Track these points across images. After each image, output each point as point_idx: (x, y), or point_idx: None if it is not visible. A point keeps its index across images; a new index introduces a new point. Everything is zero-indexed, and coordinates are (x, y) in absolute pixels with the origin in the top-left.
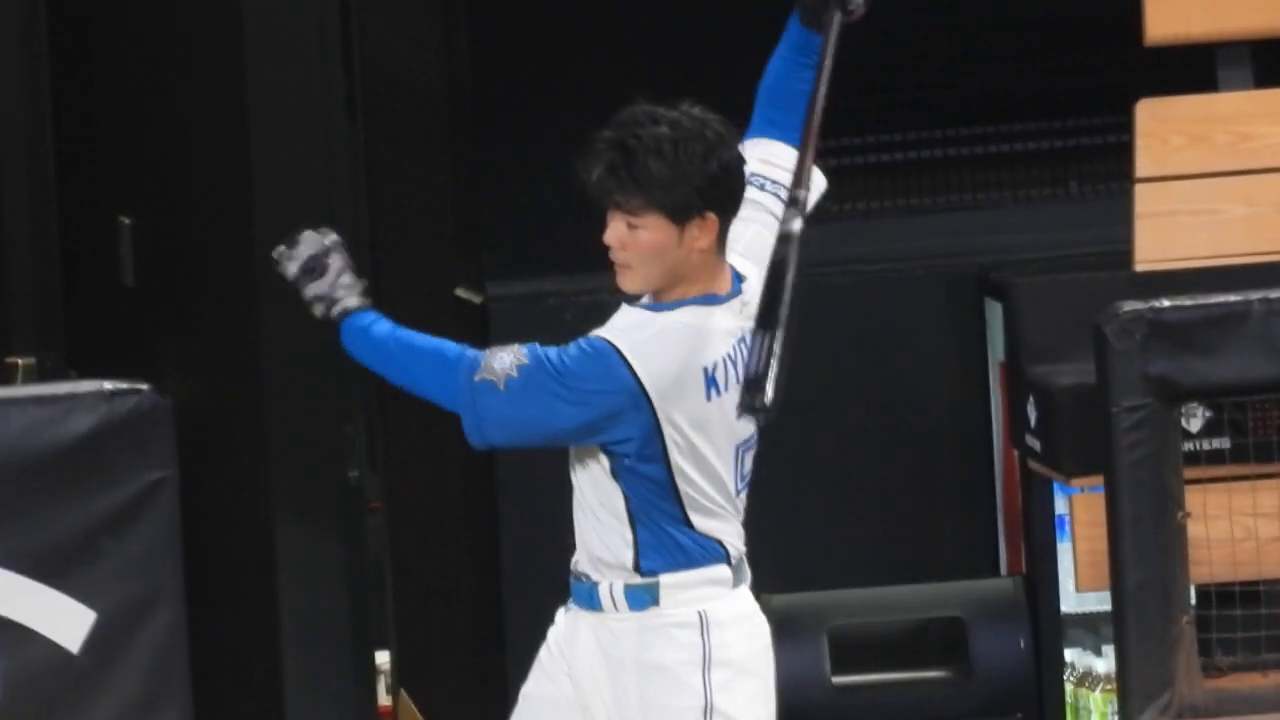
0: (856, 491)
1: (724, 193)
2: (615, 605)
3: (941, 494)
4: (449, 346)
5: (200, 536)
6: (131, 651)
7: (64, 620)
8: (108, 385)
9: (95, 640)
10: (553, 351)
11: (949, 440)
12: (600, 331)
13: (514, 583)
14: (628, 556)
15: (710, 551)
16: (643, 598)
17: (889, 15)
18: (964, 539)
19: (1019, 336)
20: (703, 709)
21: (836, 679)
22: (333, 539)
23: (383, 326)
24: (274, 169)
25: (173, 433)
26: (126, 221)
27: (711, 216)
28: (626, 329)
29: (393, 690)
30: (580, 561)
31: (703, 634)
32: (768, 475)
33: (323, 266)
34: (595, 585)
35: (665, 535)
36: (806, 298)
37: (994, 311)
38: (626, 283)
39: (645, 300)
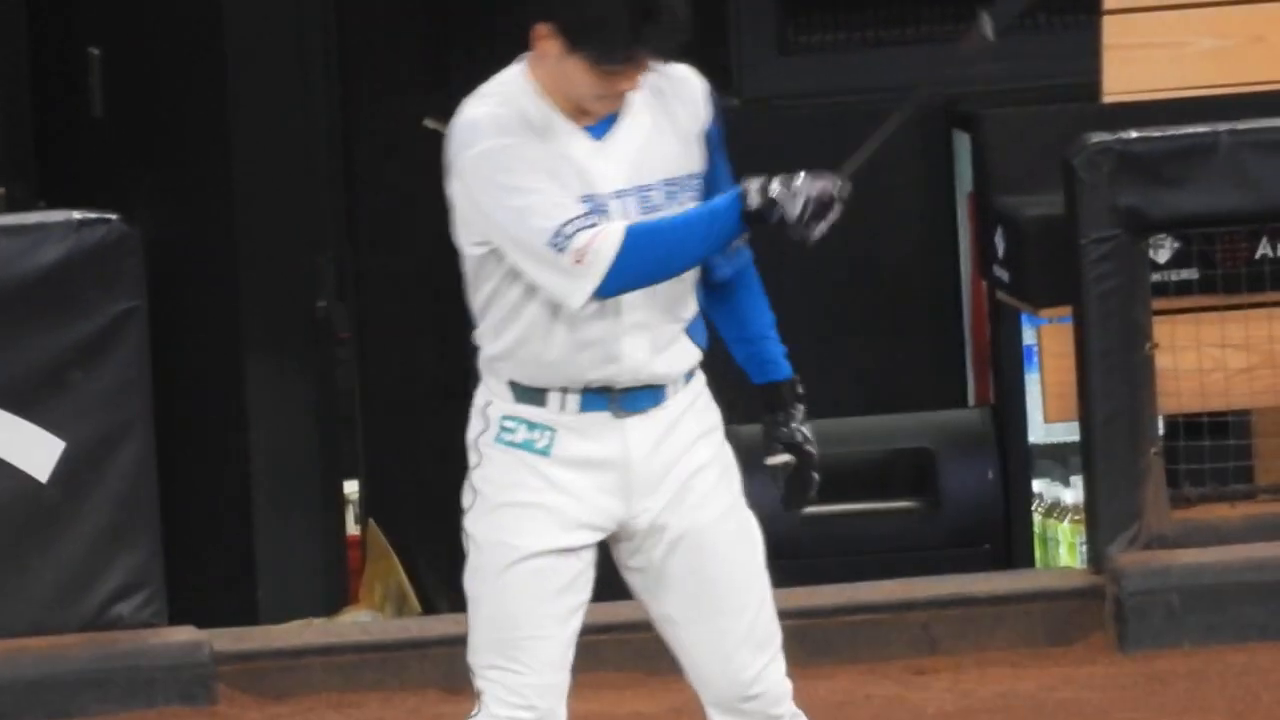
0: (825, 323)
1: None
2: (676, 390)
3: (910, 325)
4: None
5: (169, 367)
6: (100, 481)
7: (33, 450)
8: (76, 215)
9: (64, 470)
10: None
11: (917, 271)
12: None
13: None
14: (690, 345)
15: None
16: (693, 370)
17: None
18: (932, 370)
19: (987, 168)
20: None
21: (804, 510)
22: (301, 370)
23: None
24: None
25: (142, 263)
26: (96, 52)
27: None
28: None
29: (361, 520)
30: (646, 377)
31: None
32: None
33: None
34: (660, 383)
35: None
36: (773, 129)
37: (962, 143)
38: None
39: None
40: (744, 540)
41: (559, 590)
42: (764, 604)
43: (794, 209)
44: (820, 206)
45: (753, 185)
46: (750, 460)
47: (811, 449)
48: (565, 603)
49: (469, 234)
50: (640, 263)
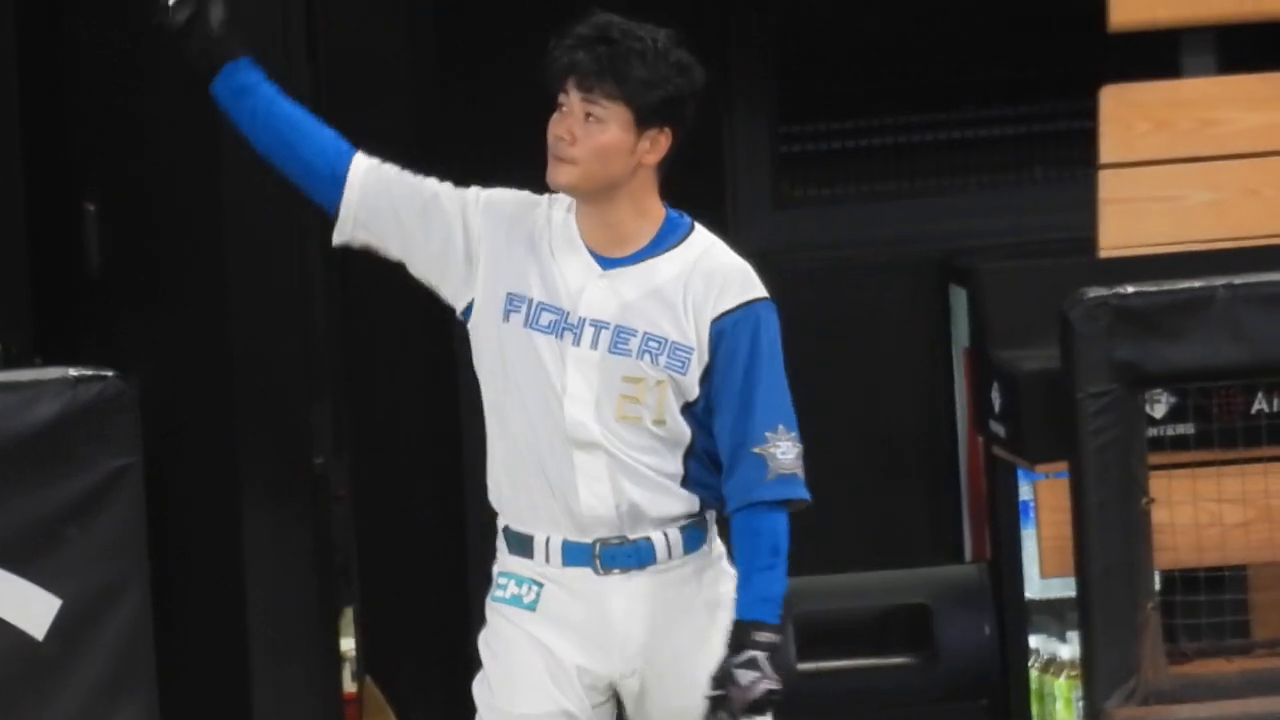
0: (821, 478)
1: (685, 113)
2: (670, 553)
3: (906, 480)
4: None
5: (166, 524)
6: (97, 639)
7: (29, 607)
8: (73, 372)
9: (60, 627)
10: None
11: (913, 426)
12: (759, 294)
13: (480, 570)
14: (687, 497)
15: None
16: (697, 536)
17: (853, 3)
18: (929, 525)
19: (983, 322)
20: None
21: (802, 665)
22: (299, 526)
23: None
24: (240, 153)
25: (138, 419)
26: (92, 208)
27: (668, 132)
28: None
29: (358, 677)
30: (616, 525)
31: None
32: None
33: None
34: (646, 539)
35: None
36: (770, 282)
37: (958, 297)
38: (563, 176)
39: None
40: None
41: None
42: None
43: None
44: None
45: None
46: None
47: (733, 692)
48: None
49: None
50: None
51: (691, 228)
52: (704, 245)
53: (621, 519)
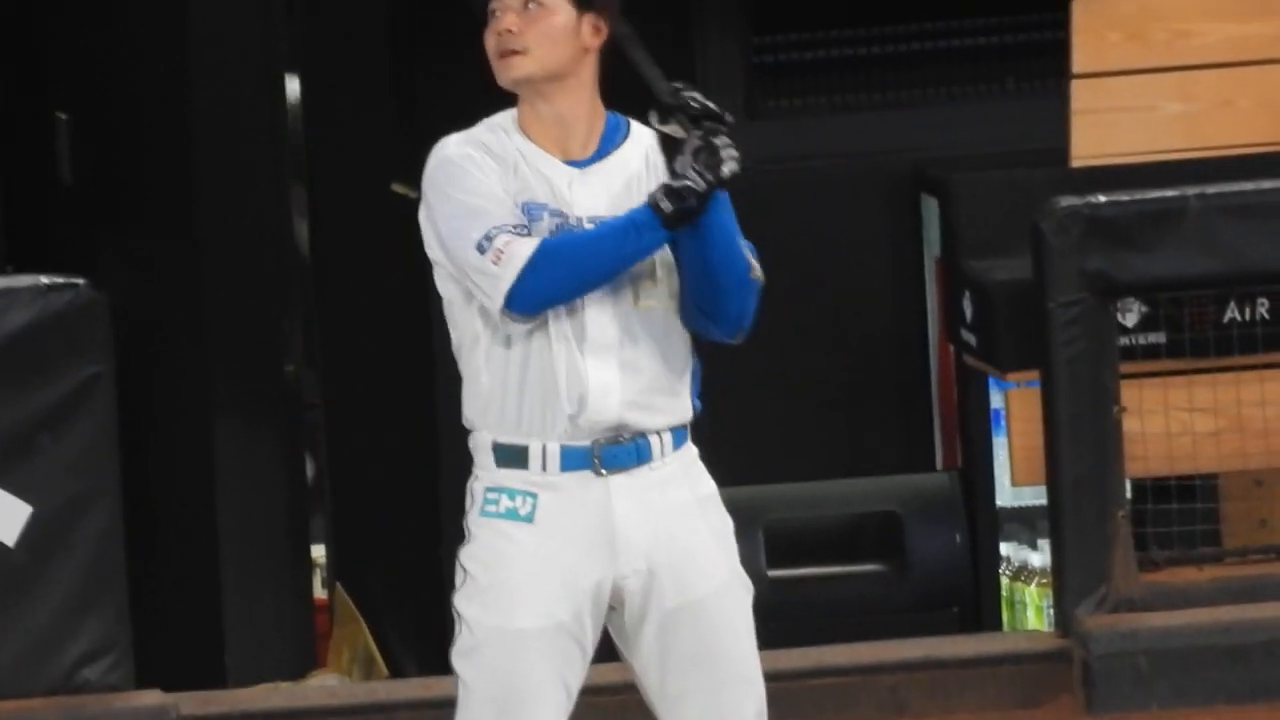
0: (793, 387)
1: (616, 4)
2: (663, 451)
3: (878, 390)
4: None
5: (137, 433)
6: (68, 547)
7: (1, 514)
8: (44, 280)
9: (32, 535)
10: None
11: (885, 336)
12: None
13: (451, 478)
14: (686, 392)
15: None
16: (682, 435)
17: None
18: (900, 434)
19: (955, 232)
20: (732, 530)
21: (772, 572)
22: (270, 435)
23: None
24: (211, 62)
25: (109, 328)
26: (64, 117)
27: (605, 16)
28: None
29: (328, 584)
30: (617, 426)
31: None
32: (707, 372)
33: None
34: (644, 436)
35: (699, 364)
36: (741, 194)
37: (930, 208)
38: (516, 69)
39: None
40: (743, 612)
41: (558, 665)
42: (760, 676)
43: (701, 183)
44: (714, 160)
45: (659, 192)
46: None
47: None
48: (565, 676)
49: (438, 269)
50: (554, 269)
51: (629, 120)
52: (649, 131)
53: (624, 421)
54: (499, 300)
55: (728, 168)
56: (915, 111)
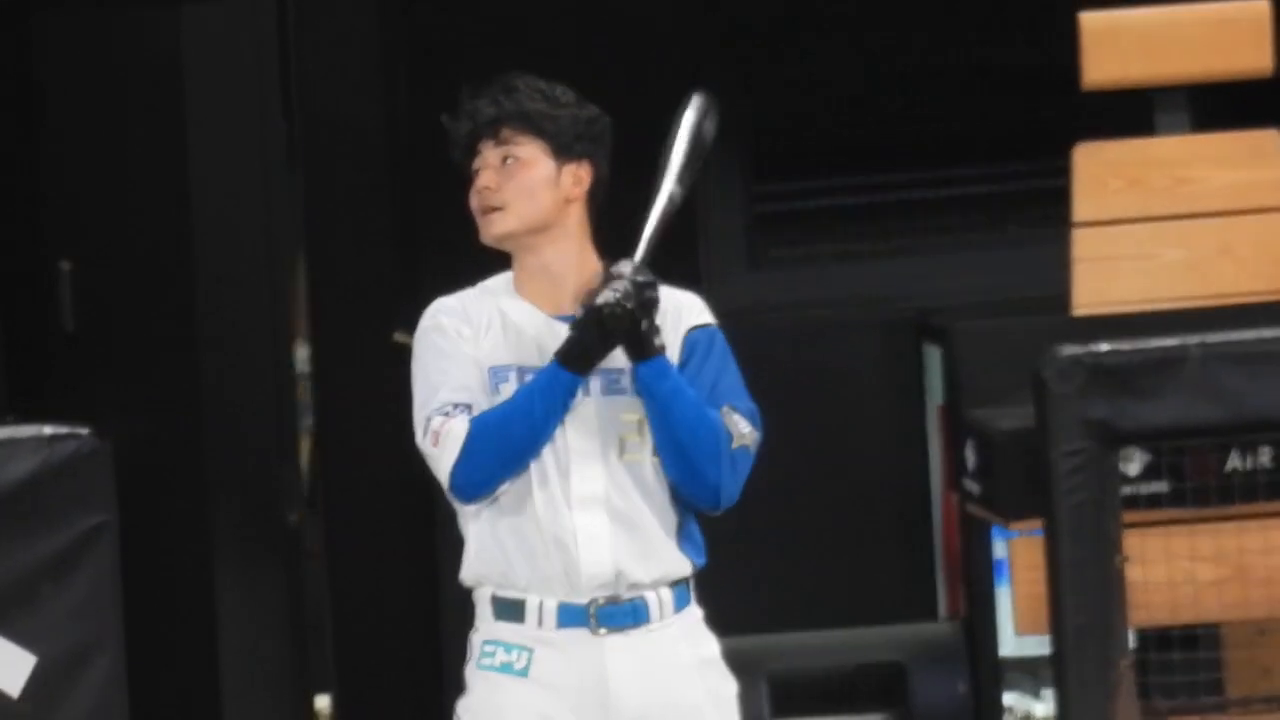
0: (796, 535)
1: (600, 141)
2: (662, 612)
3: (881, 538)
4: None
5: (140, 581)
6: (71, 696)
7: (5, 664)
8: (47, 430)
9: (35, 685)
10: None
11: (888, 484)
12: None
13: (453, 624)
14: (680, 560)
15: None
16: (684, 595)
17: (826, 61)
18: (903, 583)
19: (958, 380)
20: (737, 695)
21: None
22: (272, 583)
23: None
24: (214, 212)
25: (112, 477)
26: (67, 266)
27: (587, 165)
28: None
29: None
30: (613, 585)
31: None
32: (708, 520)
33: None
34: (641, 598)
35: (695, 522)
36: (744, 342)
37: (933, 356)
38: (496, 226)
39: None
40: None
41: None
42: None
43: (580, 312)
44: (611, 311)
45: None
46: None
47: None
48: None
49: None
50: (486, 448)
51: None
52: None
53: (619, 578)
54: (444, 483)
55: (601, 298)
56: (917, 259)
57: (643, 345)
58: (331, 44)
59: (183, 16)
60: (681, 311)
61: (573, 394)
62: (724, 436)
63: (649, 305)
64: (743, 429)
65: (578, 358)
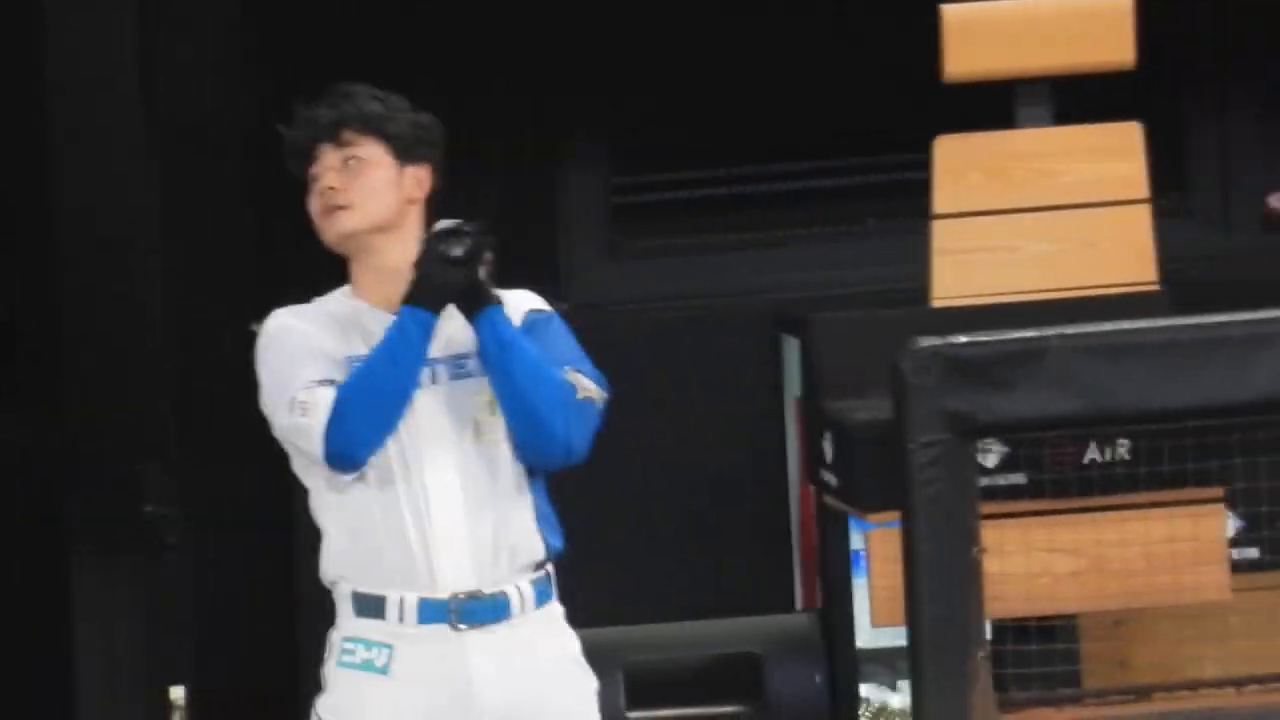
0: (653, 528)
1: (437, 146)
2: (523, 606)
3: (738, 530)
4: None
5: None
6: None
7: None
8: None
9: None
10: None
11: (745, 477)
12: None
13: (310, 618)
14: (537, 542)
15: None
16: (545, 591)
17: (685, 53)
18: (760, 575)
19: (816, 372)
20: (597, 691)
21: (633, 714)
22: (130, 575)
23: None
24: (73, 205)
25: None
26: None
27: (427, 168)
28: None
29: None
30: (473, 579)
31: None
32: (566, 511)
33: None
34: (501, 593)
35: (550, 504)
36: (603, 334)
37: (791, 348)
38: (342, 222)
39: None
40: None
41: None
42: None
43: (442, 257)
44: (449, 240)
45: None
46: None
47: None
48: None
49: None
50: (356, 406)
51: None
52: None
53: (479, 570)
54: (318, 453)
55: (436, 226)
56: (777, 251)
57: (479, 292)
58: (191, 40)
59: (46, 11)
60: (518, 301)
61: (429, 333)
62: (568, 387)
63: (481, 237)
64: (586, 384)
65: (424, 290)
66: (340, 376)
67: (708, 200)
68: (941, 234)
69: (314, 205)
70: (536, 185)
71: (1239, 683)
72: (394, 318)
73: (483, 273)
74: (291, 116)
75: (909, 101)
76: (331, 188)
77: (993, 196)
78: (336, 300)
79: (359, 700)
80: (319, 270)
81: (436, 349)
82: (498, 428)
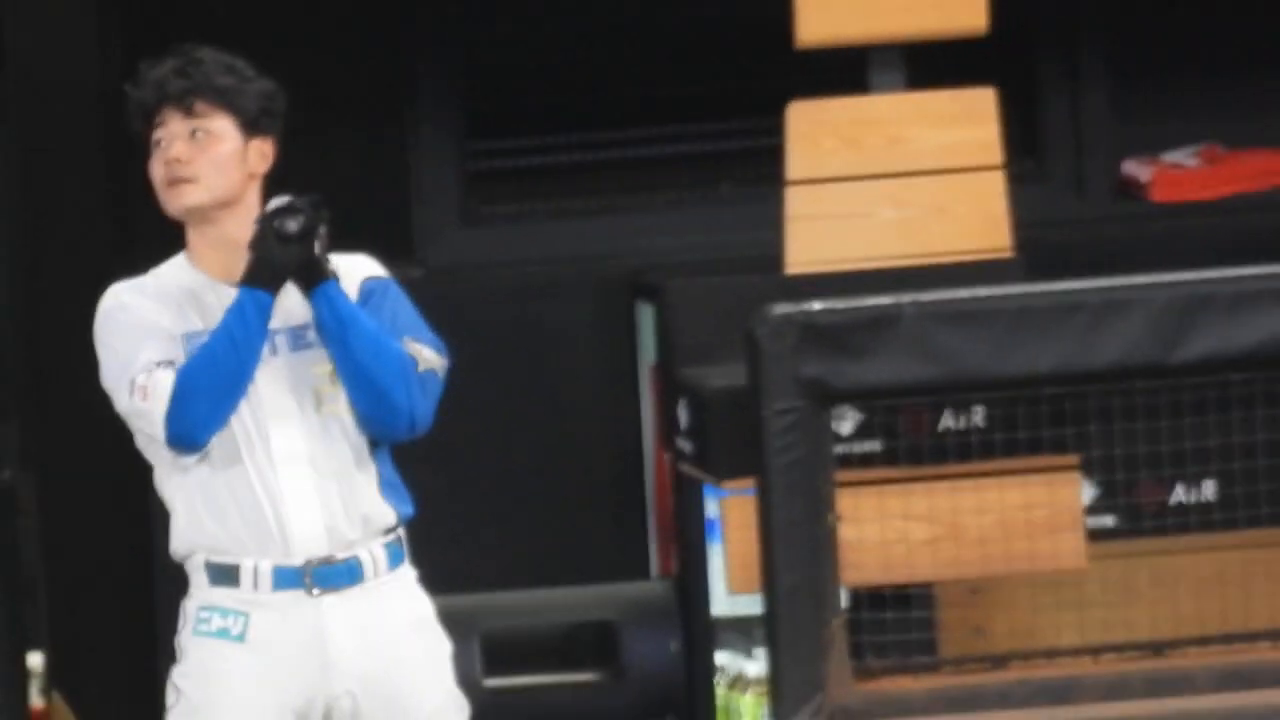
0: (508, 494)
1: (280, 116)
2: (376, 570)
3: (593, 497)
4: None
5: None
6: None
7: None
8: None
9: None
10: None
11: (600, 443)
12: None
13: (167, 583)
14: (386, 509)
15: None
16: (398, 554)
17: (536, 18)
18: (616, 542)
19: (671, 339)
20: (451, 654)
21: (489, 681)
22: None
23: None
24: None
25: None
26: None
27: (270, 141)
28: None
29: (45, 692)
30: (326, 544)
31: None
32: (420, 477)
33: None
34: (354, 557)
35: (395, 472)
36: (456, 299)
37: (645, 314)
38: (187, 197)
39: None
40: None
41: None
42: None
43: (277, 235)
44: (283, 217)
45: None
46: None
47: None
48: None
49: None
50: (197, 388)
51: None
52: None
53: (331, 535)
54: (161, 436)
55: (270, 205)
56: (632, 217)
57: (315, 268)
58: (46, 2)
59: None
60: (355, 267)
61: (267, 314)
62: (408, 360)
63: (317, 211)
64: (427, 354)
65: (261, 271)
66: (179, 356)
67: (563, 165)
68: (796, 200)
69: (157, 172)
70: (390, 150)
71: (1096, 650)
72: (232, 291)
73: (318, 247)
74: (137, 75)
75: (765, 66)
76: (178, 159)
77: (847, 162)
78: (175, 270)
79: (216, 668)
80: (171, 230)
81: (276, 321)
82: (339, 398)
